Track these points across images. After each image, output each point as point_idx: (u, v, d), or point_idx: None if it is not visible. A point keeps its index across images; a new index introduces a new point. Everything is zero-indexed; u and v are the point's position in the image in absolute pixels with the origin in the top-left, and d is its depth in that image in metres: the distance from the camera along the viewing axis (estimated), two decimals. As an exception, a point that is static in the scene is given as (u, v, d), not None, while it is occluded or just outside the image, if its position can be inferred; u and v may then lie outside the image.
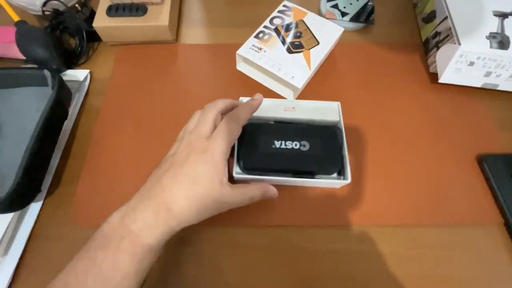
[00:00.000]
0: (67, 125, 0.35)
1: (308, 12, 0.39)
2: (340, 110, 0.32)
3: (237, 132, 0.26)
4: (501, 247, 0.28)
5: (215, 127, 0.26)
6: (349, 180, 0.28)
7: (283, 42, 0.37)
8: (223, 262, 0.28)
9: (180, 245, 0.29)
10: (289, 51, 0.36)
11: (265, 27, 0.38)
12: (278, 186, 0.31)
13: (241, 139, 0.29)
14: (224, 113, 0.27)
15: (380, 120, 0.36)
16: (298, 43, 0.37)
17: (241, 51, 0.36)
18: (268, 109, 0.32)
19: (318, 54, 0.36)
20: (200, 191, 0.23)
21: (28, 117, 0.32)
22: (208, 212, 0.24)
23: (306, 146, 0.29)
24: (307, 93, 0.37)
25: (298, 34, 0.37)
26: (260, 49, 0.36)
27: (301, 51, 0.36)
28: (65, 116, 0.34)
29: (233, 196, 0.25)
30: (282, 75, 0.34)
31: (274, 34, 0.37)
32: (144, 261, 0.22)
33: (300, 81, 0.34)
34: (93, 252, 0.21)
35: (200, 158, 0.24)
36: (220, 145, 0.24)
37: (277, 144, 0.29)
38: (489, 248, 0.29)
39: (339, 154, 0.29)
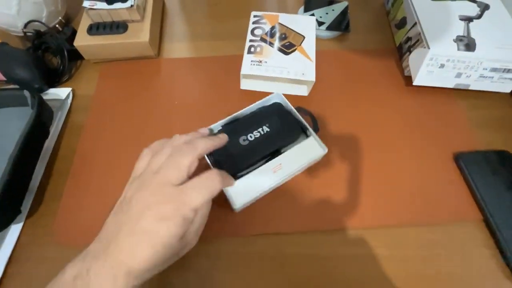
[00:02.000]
0: (49, 143, 0.35)
1: (279, 14, 0.41)
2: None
3: (214, 194, 0.22)
4: (481, 243, 0.29)
5: (187, 176, 0.21)
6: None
7: (275, 47, 0.38)
8: (211, 272, 0.28)
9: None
10: (285, 53, 0.37)
11: (251, 40, 0.39)
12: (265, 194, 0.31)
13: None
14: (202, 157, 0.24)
15: (358, 124, 0.36)
16: (288, 43, 0.38)
17: (244, 70, 0.36)
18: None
19: (311, 46, 0.38)
20: (164, 249, 0.20)
21: (9, 138, 0.32)
22: (177, 256, 0.23)
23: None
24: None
25: (283, 35, 0.39)
26: (260, 61, 0.37)
27: (295, 49, 0.38)
28: (46, 135, 0.34)
29: (200, 215, 0.22)
30: (293, 76, 0.36)
31: (263, 44, 0.38)
32: None
33: (312, 75, 0.36)
34: None
35: (163, 210, 0.20)
36: (194, 200, 0.20)
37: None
38: (470, 244, 0.29)
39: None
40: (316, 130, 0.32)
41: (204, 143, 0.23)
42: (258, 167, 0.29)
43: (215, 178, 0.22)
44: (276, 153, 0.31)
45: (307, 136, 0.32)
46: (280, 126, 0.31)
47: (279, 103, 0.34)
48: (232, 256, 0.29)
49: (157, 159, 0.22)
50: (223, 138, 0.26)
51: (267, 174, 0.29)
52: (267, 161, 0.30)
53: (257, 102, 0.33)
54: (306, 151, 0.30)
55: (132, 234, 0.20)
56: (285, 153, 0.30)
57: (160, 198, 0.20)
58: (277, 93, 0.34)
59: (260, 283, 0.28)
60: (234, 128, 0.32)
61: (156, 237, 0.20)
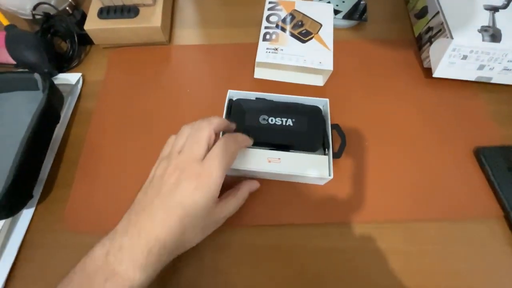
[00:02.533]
0: (60, 129, 0.34)
1: (295, 0, 0.40)
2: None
3: (235, 155, 0.24)
4: (502, 240, 0.28)
5: (208, 148, 0.23)
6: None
7: (291, 35, 0.37)
8: (222, 263, 0.28)
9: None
10: (302, 41, 0.36)
11: (267, 27, 0.37)
12: (273, 185, 0.31)
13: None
14: (218, 133, 0.25)
15: (376, 116, 0.35)
16: (305, 31, 0.37)
17: (260, 58, 0.35)
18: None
19: (328, 34, 0.37)
20: (196, 221, 0.22)
21: (19, 122, 0.31)
22: (205, 234, 0.24)
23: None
24: (304, 92, 0.37)
25: (300, 23, 0.38)
26: (276, 49, 0.35)
27: (312, 37, 0.36)
28: (57, 119, 0.33)
29: (227, 208, 0.25)
30: (310, 65, 0.34)
31: (279, 31, 0.37)
32: None
33: (329, 64, 0.34)
34: None
35: (193, 185, 0.21)
36: (215, 170, 0.22)
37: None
38: (490, 241, 0.28)
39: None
40: (337, 155, 0.29)
41: (218, 118, 0.25)
42: (259, 149, 0.29)
43: (228, 143, 0.24)
44: (284, 148, 0.29)
45: (325, 153, 0.30)
46: (304, 128, 0.30)
47: (319, 108, 0.32)
48: (244, 247, 0.29)
49: (178, 141, 0.24)
50: (233, 126, 0.28)
51: (260, 159, 0.28)
52: (270, 150, 0.29)
53: (301, 97, 0.32)
54: (311, 165, 0.28)
55: (164, 207, 0.21)
56: (291, 153, 0.29)
57: (188, 174, 0.22)
58: (326, 99, 0.32)
59: (273, 274, 0.27)
60: (263, 105, 0.31)
61: (188, 208, 0.21)
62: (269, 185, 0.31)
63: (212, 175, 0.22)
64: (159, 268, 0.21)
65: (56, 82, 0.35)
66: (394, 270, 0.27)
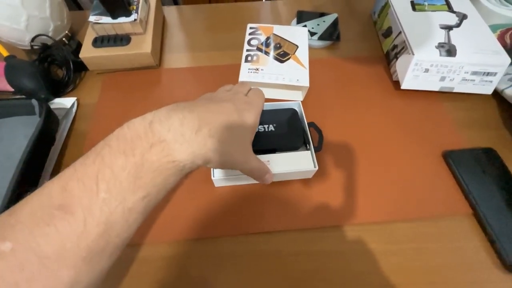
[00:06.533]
0: (55, 150, 0.36)
1: (273, 25, 0.44)
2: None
3: (262, 104, 0.27)
4: (472, 236, 0.30)
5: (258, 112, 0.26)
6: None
7: (271, 56, 0.41)
8: (209, 272, 0.29)
9: (165, 260, 0.29)
10: (280, 61, 0.40)
11: (248, 50, 0.41)
12: (254, 195, 0.33)
13: None
14: None
15: (352, 126, 0.38)
16: (283, 52, 0.41)
17: (242, 78, 0.38)
18: None
19: (304, 54, 0.41)
20: (239, 133, 0.22)
21: (16, 145, 0.33)
22: (228, 161, 0.21)
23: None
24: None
25: (278, 45, 0.42)
26: (257, 69, 0.39)
27: (290, 57, 0.40)
28: (52, 142, 0.35)
29: (251, 159, 0.25)
30: (288, 82, 0.38)
31: (259, 53, 0.41)
32: (170, 180, 0.18)
33: (306, 80, 0.38)
34: (108, 156, 0.16)
35: (246, 106, 0.24)
36: (258, 102, 0.25)
37: None
38: (461, 237, 0.30)
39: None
40: (318, 149, 0.32)
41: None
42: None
43: (261, 92, 0.28)
44: (270, 151, 0.32)
45: (307, 149, 0.33)
46: (285, 131, 0.33)
47: (295, 110, 0.35)
48: (231, 255, 0.30)
49: (225, 86, 0.28)
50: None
51: None
52: (258, 155, 0.31)
53: (276, 103, 0.35)
54: (298, 161, 0.31)
55: (221, 106, 0.22)
56: (277, 154, 0.32)
57: (241, 99, 0.25)
58: (298, 102, 0.35)
59: (259, 281, 0.28)
60: None
61: (241, 118, 0.22)
62: (251, 195, 0.33)
63: (258, 104, 0.25)
64: (197, 156, 0.18)
65: (52, 106, 0.37)
66: (372, 269, 0.29)
